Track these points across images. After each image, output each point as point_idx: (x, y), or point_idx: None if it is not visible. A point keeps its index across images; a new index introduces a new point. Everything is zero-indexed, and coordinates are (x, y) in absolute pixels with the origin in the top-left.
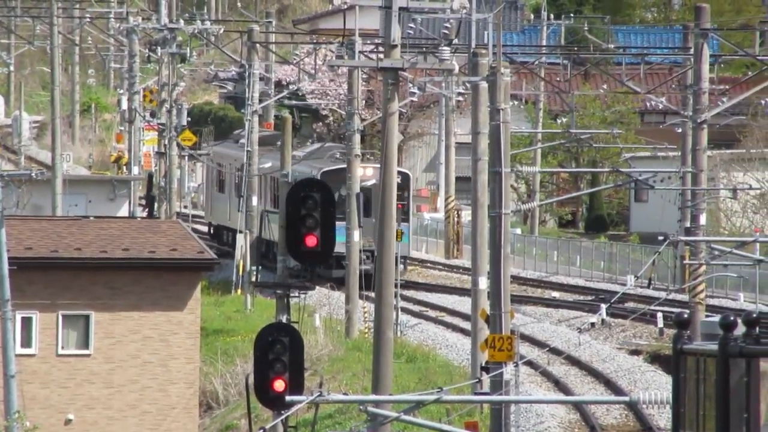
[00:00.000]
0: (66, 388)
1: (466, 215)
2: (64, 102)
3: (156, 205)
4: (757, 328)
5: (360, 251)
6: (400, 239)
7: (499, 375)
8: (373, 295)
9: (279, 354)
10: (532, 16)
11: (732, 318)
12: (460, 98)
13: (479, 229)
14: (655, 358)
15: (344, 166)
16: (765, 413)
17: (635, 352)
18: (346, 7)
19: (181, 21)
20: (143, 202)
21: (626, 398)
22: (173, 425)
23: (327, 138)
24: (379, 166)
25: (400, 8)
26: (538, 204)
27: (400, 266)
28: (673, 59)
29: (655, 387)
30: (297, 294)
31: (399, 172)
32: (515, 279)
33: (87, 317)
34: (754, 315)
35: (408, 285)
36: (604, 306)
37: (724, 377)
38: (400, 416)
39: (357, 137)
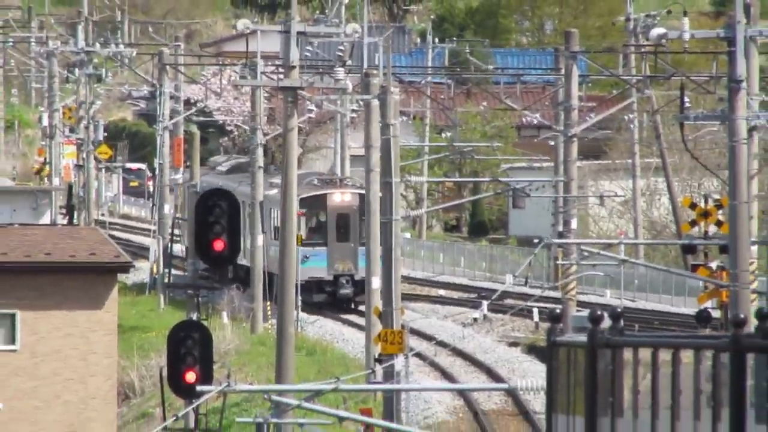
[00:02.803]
0: None
1: None
2: None
3: (75, 213)
4: (621, 322)
5: (338, 276)
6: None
7: (390, 366)
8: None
9: (190, 348)
10: (418, 40)
11: (599, 312)
12: (354, 115)
13: (372, 234)
14: (531, 349)
15: (323, 192)
16: (628, 398)
17: (514, 344)
18: (248, 31)
19: (97, 45)
20: (64, 210)
21: (506, 385)
22: (93, 414)
23: (232, 151)
24: (357, 191)
25: (298, 33)
26: (426, 211)
27: None
28: (545, 79)
29: (531, 375)
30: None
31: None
32: (405, 279)
33: (13, 316)
34: (619, 310)
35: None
36: (485, 303)
37: (592, 366)
38: (301, 404)
39: (260, 150)
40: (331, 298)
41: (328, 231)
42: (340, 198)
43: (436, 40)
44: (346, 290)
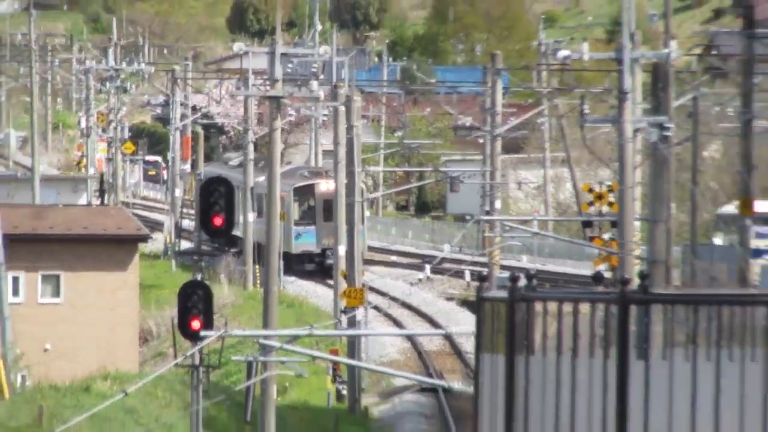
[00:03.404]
0: (44, 326)
1: None
2: (40, 122)
3: (106, 196)
4: (534, 281)
5: (325, 249)
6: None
7: (353, 316)
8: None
9: (195, 302)
10: (376, 59)
11: (516, 274)
12: (325, 118)
13: (340, 212)
14: (463, 303)
15: (312, 182)
16: (538, 340)
17: (450, 299)
18: (242, 52)
19: (124, 63)
20: (97, 194)
21: (443, 331)
22: (120, 353)
23: (229, 147)
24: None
25: (282, 54)
26: (381, 194)
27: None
28: (476, 90)
29: (463, 323)
30: (208, 259)
31: None
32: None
33: (58, 276)
34: (532, 272)
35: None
36: (428, 266)
37: (511, 316)
38: (283, 346)
39: (251, 146)
40: (319, 267)
41: (316, 213)
42: (326, 187)
43: (390, 59)
44: (332, 261)
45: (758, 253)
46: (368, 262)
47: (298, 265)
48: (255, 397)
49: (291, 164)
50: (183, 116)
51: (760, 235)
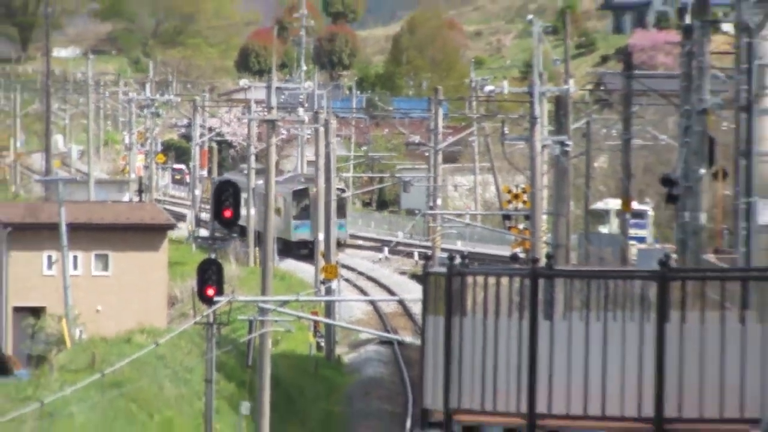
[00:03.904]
0: (96, 293)
1: None
2: (94, 139)
3: (143, 195)
4: (466, 260)
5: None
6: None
7: (329, 286)
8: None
9: (210, 275)
10: (347, 92)
11: (453, 255)
12: (309, 136)
13: (319, 209)
14: (413, 276)
15: (307, 186)
16: (470, 305)
17: (403, 273)
18: (247, 87)
19: (157, 95)
20: (137, 193)
21: (398, 298)
22: (153, 313)
23: (237, 159)
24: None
25: (276, 87)
26: (351, 194)
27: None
28: (423, 116)
29: (413, 292)
30: (220, 243)
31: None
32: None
33: (107, 255)
34: (465, 253)
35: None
36: (386, 249)
37: (449, 287)
38: (276, 309)
39: (253, 158)
40: (312, 252)
41: (310, 210)
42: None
43: (358, 92)
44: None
45: (638, 239)
46: (340, 245)
47: (296, 250)
48: (255, 347)
49: (289, 173)
50: (201, 135)
51: (636, 226)
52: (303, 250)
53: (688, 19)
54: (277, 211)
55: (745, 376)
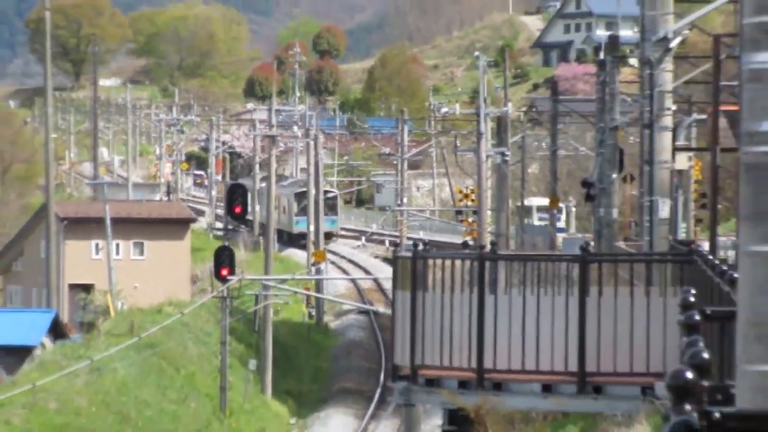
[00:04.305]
0: (134, 274)
1: None
2: (131, 150)
3: (171, 195)
4: (427, 247)
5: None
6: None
7: (318, 267)
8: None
9: (224, 258)
10: (332, 113)
11: (417, 243)
12: (302, 148)
13: (311, 206)
14: (386, 260)
15: (305, 189)
16: (430, 282)
17: (377, 257)
18: (252, 109)
19: (182, 115)
20: (166, 194)
21: (373, 277)
22: (179, 289)
23: (245, 166)
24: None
25: (276, 110)
26: (338, 193)
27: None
28: (392, 132)
29: (386, 272)
30: (231, 234)
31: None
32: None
33: (142, 243)
34: (426, 241)
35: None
36: (363, 237)
37: (414, 268)
38: (277, 285)
39: (257, 166)
40: None
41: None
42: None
43: (341, 113)
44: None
45: (560, 230)
46: (333, 236)
47: (297, 240)
48: (259, 316)
49: (291, 178)
50: (216, 147)
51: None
52: (302, 241)
53: (602, 55)
54: (283, 209)
55: (650, 338)
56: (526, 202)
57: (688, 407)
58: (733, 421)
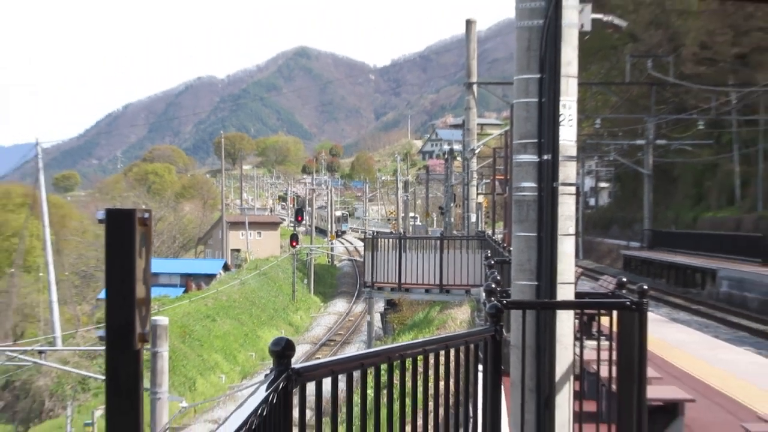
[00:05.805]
0: (257, 245)
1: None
2: (256, 194)
3: (271, 212)
4: (376, 234)
5: (341, 231)
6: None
7: (332, 244)
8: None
9: (294, 238)
10: (337, 179)
11: (374, 232)
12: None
13: (330, 217)
14: (362, 240)
15: (342, 213)
16: (379, 247)
17: (359, 239)
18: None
19: (275, 179)
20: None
21: (354, 246)
22: (275, 250)
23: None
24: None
25: (315, 179)
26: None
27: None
28: (361, 187)
29: (361, 245)
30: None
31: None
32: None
33: (260, 232)
34: (376, 232)
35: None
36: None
37: (372, 242)
38: (316, 248)
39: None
40: (340, 234)
41: (339, 219)
42: (340, 212)
43: (340, 179)
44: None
45: (431, 228)
46: (344, 233)
47: (339, 235)
48: (309, 261)
49: (337, 209)
50: (291, 193)
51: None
52: (340, 235)
53: (446, 156)
54: (321, 218)
55: (470, 270)
56: (411, 215)
57: (492, 299)
58: (511, 306)
